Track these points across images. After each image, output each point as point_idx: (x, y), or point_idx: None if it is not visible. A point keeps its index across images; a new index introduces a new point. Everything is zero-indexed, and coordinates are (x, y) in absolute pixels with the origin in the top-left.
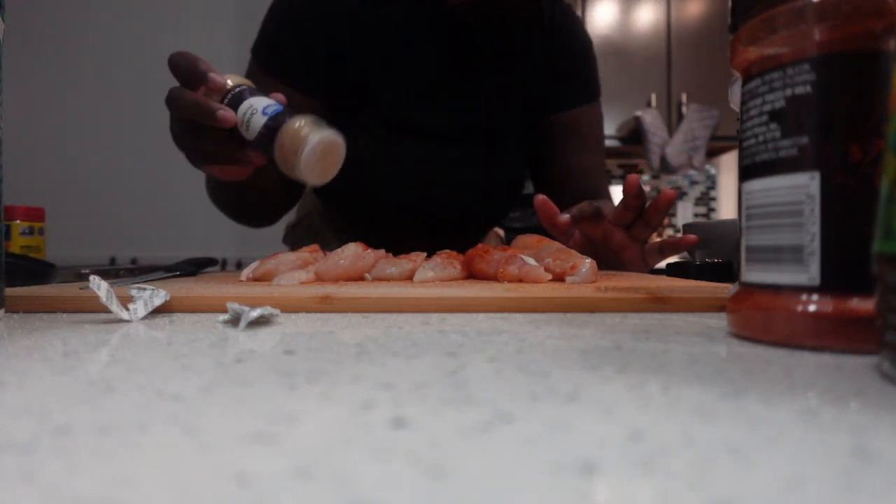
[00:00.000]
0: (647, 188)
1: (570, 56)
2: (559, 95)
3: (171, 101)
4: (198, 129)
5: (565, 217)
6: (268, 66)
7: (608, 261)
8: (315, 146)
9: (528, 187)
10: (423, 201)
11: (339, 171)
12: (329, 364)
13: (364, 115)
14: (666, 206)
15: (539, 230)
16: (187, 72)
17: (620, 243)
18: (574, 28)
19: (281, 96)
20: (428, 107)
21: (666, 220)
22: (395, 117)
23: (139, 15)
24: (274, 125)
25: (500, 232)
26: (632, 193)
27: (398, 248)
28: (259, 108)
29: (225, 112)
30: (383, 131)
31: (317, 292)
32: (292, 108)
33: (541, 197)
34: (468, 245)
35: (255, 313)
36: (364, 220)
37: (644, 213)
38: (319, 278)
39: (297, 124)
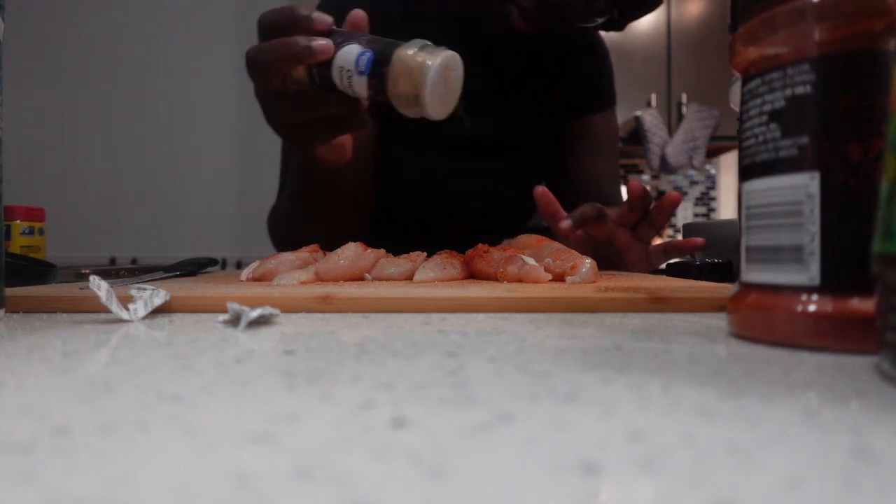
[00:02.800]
0: (646, 188)
1: (586, 64)
2: (575, 103)
3: (254, 58)
4: (296, 97)
5: (567, 223)
6: None
7: (610, 261)
8: (436, 77)
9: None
10: (447, 214)
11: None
12: (329, 364)
13: (393, 132)
14: (670, 208)
15: (539, 230)
16: (281, 22)
17: (625, 244)
18: (590, 38)
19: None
20: (455, 123)
21: None
22: (424, 133)
23: (139, 15)
24: (379, 74)
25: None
26: (636, 197)
27: (409, 247)
28: (350, 66)
29: (321, 42)
30: (410, 146)
31: (317, 292)
32: (378, 42)
33: (541, 188)
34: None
35: (255, 313)
36: (385, 231)
37: (648, 214)
38: (319, 278)
39: (406, 62)
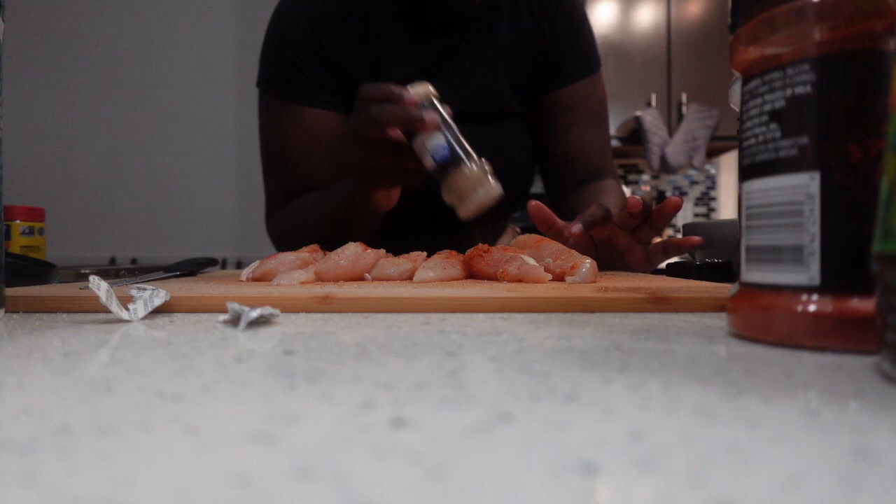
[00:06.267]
0: (646, 188)
1: (562, 31)
2: (556, 72)
3: (374, 114)
4: (384, 146)
5: (578, 227)
6: (282, 93)
7: (610, 260)
8: (481, 200)
9: (534, 186)
10: (432, 195)
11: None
12: (329, 364)
13: None
14: (671, 213)
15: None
16: (382, 94)
17: (625, 245)
18: (567, 5)
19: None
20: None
21: None
22: None
23: (139, 15)
24: (441, 171)
25: (517, 229)
26: (634, 213)
27: (409, 247)
28: (430, 147)
29: (432, 116)
30: None
31: (317, 292)
32: (456, 152)
33: (534, 203)
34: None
35: (255, 313)
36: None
37: (649, 217)
38: (319, 278)
39: (466, 172)
